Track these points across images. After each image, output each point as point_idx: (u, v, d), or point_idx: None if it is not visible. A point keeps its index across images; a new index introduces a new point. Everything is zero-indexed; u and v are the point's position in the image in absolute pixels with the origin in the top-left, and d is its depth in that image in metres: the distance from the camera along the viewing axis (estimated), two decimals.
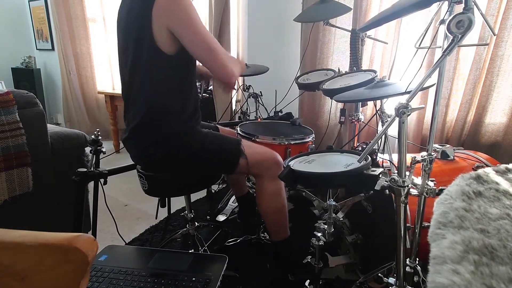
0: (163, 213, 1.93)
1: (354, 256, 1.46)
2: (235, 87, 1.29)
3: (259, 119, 2.08)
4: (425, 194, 0.98)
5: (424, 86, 0.85)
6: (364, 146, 1.51)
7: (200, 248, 1.55)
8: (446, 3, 0.90)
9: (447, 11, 0.88)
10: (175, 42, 1.15)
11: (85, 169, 1.29)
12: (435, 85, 0.98)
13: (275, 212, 1.37)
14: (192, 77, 1.29)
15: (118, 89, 3.72)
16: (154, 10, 1.10)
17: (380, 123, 1.41)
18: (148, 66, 1.18)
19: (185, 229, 1.56)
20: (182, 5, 1.11)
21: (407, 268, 1.08)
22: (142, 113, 1.21)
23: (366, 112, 2.21)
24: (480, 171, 0.76)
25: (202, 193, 2.35)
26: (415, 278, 1.10)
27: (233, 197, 2.10)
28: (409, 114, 0.83)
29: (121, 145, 1.29)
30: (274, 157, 1.32)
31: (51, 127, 1.60)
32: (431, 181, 0.99)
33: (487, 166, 1.41)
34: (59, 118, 4.53)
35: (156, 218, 1.98)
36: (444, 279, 0.51)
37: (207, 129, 1.39)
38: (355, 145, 1.82)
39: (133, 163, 1.38)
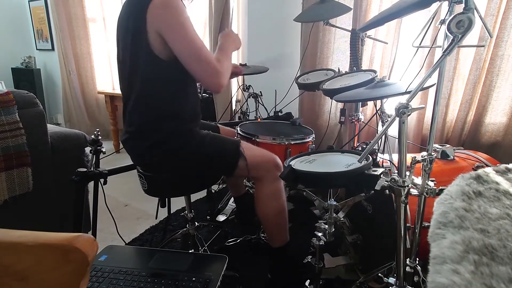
0: (163, 213, 1.93)
1: (354, 256, 1.46)
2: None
3: (259, 119, 2.08)
4: (425, 194, 0.98)
5: (424, 86, 0.85)
6: (364, 146, 1.50)
7: (200, 248, 1.54)
8: (446, 3, 0.90)
9: (448, 11, 0.88)
10: (168, 48, 1.13)
11: (85, 169, 1.29)
12: (435, 85, 0.98)
13: (275, 216, 1.36)
14: (191, 81, 1.27)
15: (118, 89, 3.67)
16: (148, 13, 1.08)
17: (380, 123, 1.41)
18: (145, 71, 1.17)
19: (185, 229, 1.56)
20: (174, 10, 1.09)
21: (407, 268, 1.08)
22: (141, 116, 1.21)
23: (366, 112, 2.21)
24: (480, 171, 0.76)
25: (202, 193, 2.35)
26: (415, 278, 1.09)
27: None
28: (409, 114, 0.83)
29: (121, 145, 1.30)
30: (274, 159, 1.31)
31: (51, 127, 1.59)
32: (431, 181, 0.99)
33: (487, 166, 1.41)
34: (59, 118, 4.53)
35: (156, 218, 1.98)
36: (444, 279, 0.51)
37: (207, 129, 1.39)
38: (355, 145, 1.82)
39: (133, 163, 1.38)
